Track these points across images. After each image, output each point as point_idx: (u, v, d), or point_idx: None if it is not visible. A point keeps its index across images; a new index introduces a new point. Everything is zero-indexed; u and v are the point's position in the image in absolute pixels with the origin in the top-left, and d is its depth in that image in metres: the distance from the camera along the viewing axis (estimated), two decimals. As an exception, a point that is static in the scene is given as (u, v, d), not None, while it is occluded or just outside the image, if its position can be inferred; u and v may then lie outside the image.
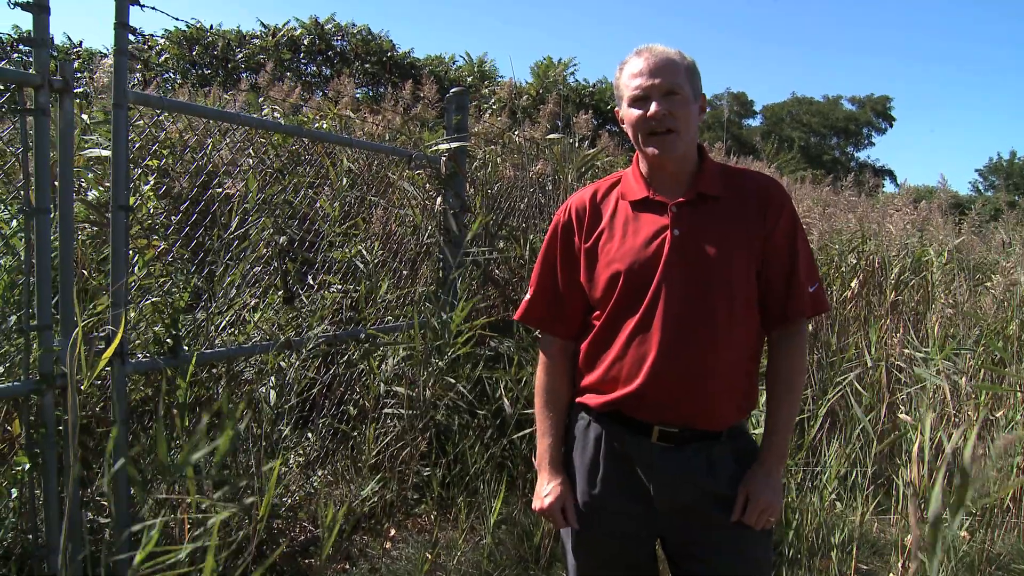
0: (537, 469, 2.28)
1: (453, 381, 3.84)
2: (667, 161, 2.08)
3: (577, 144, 7.23)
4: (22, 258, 2.76)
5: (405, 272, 4.63)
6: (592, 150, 7.30)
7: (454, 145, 4.62)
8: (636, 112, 2.07)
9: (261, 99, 5.94)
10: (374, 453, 3.71)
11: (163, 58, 20.65)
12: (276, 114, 5.03)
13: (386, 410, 3.85)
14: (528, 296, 2.33)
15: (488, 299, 4.99)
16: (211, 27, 20.99)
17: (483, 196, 5.34)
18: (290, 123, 4.77)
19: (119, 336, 2.64)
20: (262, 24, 22.48)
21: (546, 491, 2.19)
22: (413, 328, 3.77)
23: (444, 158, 4.61)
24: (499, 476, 3.80)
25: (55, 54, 2.72)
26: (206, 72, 21.14)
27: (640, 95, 2.06)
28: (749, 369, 2.10)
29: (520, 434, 3.91)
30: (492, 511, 3.51)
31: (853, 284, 6.43)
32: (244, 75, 19.86)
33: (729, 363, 2.03)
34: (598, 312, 2.16)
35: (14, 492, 2.77)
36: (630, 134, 2.12)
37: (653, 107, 2.03)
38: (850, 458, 4.07)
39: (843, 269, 6.69)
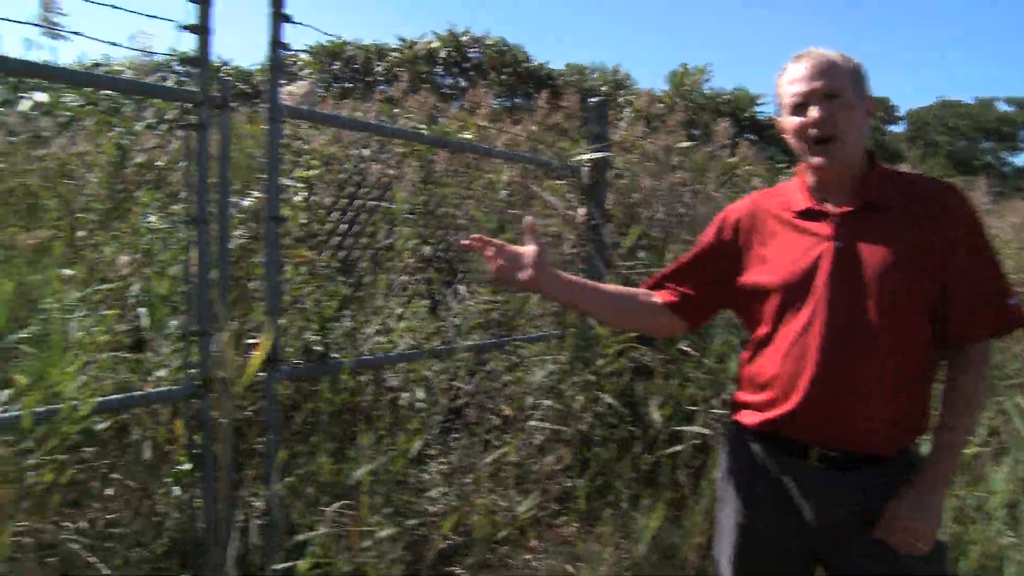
0: None
1: (600, 394, 3.82)
2: (831, 169, 1.98)
3: (716, 153, 7.11)
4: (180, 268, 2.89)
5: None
6: (732, 159, 7.17)
7: (596, 155, 4.60)
8: (796, 120, 1.98)
9: (396, 110, 6.04)
10: (517, 464, 3.71)
11: (305, 72, 21.37)
12: (422, 127, 5.12)
13: (531, 421, 3.85)
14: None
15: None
16: (352, 42, 21.61)
17: (623, 206, 5.30)
18: (432, 134, 4.84)
19: (269, 342, 2.71)
20: (400, 38, 23.02)
21: None
22: (559, 339, 3.78)
23: (587, 168, 4.60)
24: (648, 491, 3.75)
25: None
26: (346, 85, 21.76)
27: (799, 101, 1.97)
28: (916, 390, 1.96)
29: (671, 450, 3.85)
30: (646, 527, 3.46)
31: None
32: (381, 87, 20.37)
33: (893, 383, 1.91)
34: (754, 327, 2.09)
35: (176, 491, 2.89)
36: (792, 143, 2.03)
37: (813, 112, 1.94)
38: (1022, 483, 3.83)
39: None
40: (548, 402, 3.79)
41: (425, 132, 4.62)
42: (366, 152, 4.33)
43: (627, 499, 3.76)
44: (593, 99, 4.99)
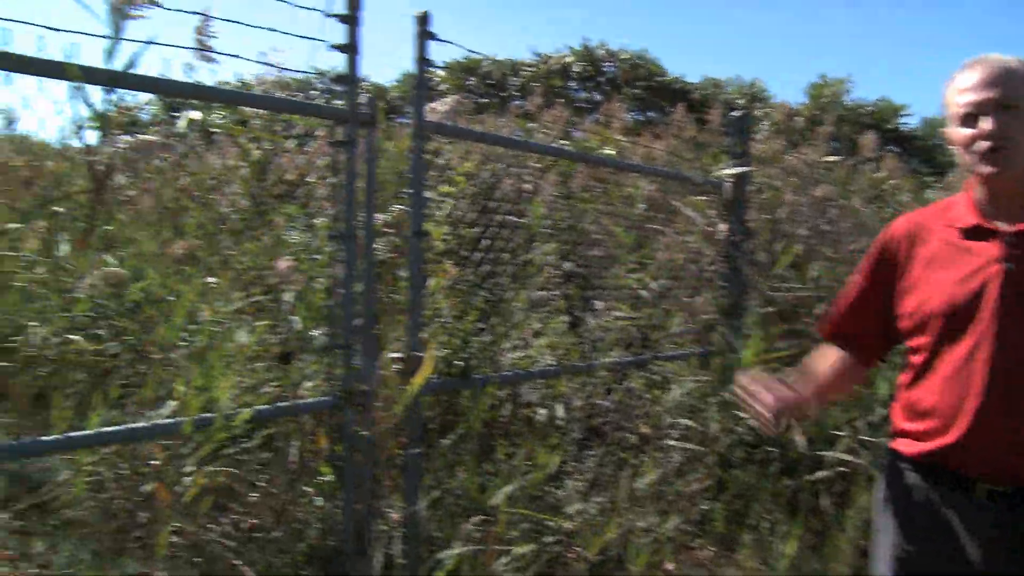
0: None
1: (739, 414, 3.73)
2: (1003, 183, 1.85)
3: (861, 167, 6.88)
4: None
5: (686, 300, 4.56)
6: (879, 174, 6.92)
7: (738, 170, 4.51)
8: (966, 131, 1.85)
9: (532, 125, 6.07)
10: (654, 484, 3.65)
11: (443, 87, 21.77)
12: (562, 142, 5.14)
13: (669, 441, 3.79)
14: (831, 310, 2.29)
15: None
16: (488, 58, 21.91)
17: (765, 222, 5.18)
18: (574, 149, 4.84)
19: (430, 360, 2.74)
20: (535, 53, 23.22)
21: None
22: (700, 357, 3.72)
23: (728, 183, 4.51)
24: (788, 517, 3.64)
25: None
26: (481, 100, 22.05)
27: (970, 111, 1.84)
28: None
29: (814, 476, 3.73)
30: (781, 556, 3.36)
31: None
32: (515, 103, 20.57)
33: None
34: (915, 351, 1.97)
35: (318, 500, 2.95)
36: (960, 156, 1.90)
37: (984, 124, 1.80)
38: None
39: None
40: (686, 422, 3.71)
41: (568, 147, 4.63)
42: (504, 167, 4.36)
43: (766, 524, 3.65)
44: (734, 113, 4.90)
